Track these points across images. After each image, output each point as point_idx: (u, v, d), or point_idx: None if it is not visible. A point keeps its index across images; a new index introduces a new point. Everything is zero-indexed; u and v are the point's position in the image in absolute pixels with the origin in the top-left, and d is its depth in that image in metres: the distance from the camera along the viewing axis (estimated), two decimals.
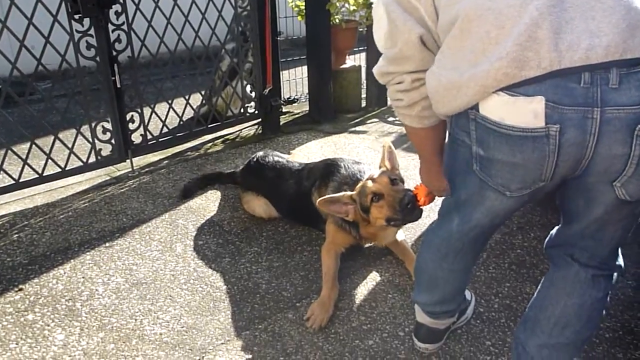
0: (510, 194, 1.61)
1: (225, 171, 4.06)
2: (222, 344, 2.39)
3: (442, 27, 1.58)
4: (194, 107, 4.77)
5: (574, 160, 1.46)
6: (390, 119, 5.68)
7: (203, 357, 2.32)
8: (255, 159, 3.59)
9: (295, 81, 6.33)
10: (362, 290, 2.76)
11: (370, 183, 2.68)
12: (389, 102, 6.16)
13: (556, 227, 1.96)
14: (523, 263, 2.94)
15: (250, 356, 2.32)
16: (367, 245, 3.11)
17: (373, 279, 2.87)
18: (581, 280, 1.84)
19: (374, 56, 5.85)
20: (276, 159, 3.53)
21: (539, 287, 2.00)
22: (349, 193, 2.78)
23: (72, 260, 3.03)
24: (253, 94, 5.21)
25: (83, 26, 3.73)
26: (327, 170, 3.11)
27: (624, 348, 2.32)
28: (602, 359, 2.27)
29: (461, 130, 1.63)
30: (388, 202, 2.60)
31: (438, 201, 2.17)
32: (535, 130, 1.42)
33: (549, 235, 2.00)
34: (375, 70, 1.81)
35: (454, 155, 1.74)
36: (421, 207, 2.51)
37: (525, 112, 1.41)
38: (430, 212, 3.38)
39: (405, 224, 2.78)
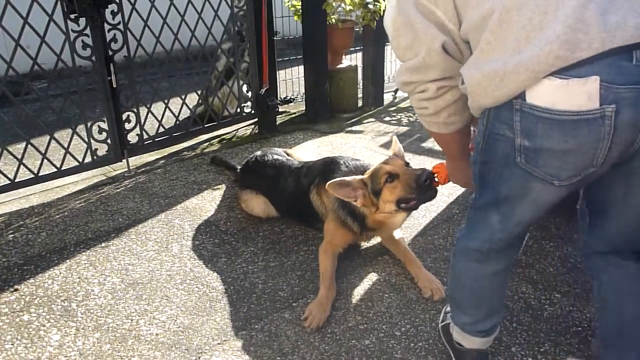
0: (559, 182, 1.56)
1: (232, 163, 4.15)
2: (218, 344, 2.39)
3: (473, 25, 1.57)
4: (190, 106, 4.76)
5: (627, 142, 1.44)
6: (387, 118, 5.69)
7: (199, 357, 2.31)
8: (254, 158, 3.60)
9: (291, 81, 6.32)
10: (358, 290, 2.76)
11: (384, 165, 2.68)
12: (385, 102, 6.17)
13: (585, 236, 1.92)
14: (519, 262, 2.94)
15: (246, 356, 2.32)
16: (366, 244, 3.12)
17: (369, 278, 2.86)
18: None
19: (370, 56, 5.89)
20: (275, 157, 3.52)
21: (598, 303, 1.96)
22: (359, 177, 2.75)
23: (67, 261, 3.02)
24: (249, 94, 5.21)
25: (79, 26, 3.73)
26: (327, 168, 3.10)
27: None
28: (597, 358, 2.27)
29: (502, 123, 1.58)
30: (403, 181, 2.58)
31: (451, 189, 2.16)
32: (589, 112, 1.39)
33: (582, 247, 1.97)
34: (396, 79, 1.81)
35: (491, 151, 1.67)
36: (437, 186, 2.51)
37: (579, 94, 1.39)
38: (427, 212, 3.39)
39: (417, 207, 2.68)
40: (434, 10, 1.62)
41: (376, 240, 3.16)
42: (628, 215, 1.72)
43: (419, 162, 4.20)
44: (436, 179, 2.49)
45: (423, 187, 2.51)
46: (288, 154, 3.66)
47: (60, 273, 2.91)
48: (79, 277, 2.87)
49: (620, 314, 1.88)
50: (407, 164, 2.71)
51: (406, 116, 5.76)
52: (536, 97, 1.45)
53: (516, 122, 1.52)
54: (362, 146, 4.81)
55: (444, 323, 2.34)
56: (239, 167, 3.96)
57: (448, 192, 3.73)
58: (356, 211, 2.84)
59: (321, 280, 2.74)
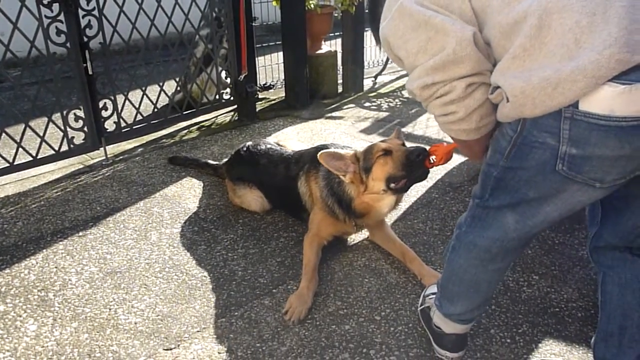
0: (601, 185, 1.50)
1: (210, 161, 3.99)
2: (197, 331, 2.38)
3: (501, 30, 1.48)
4: (169, 94, 4.71)
5: None
6: (367, 104, 5.69)
7: (179, 345, 2.30)
8: (245, 147, 3.49)
9: (271, 67, 6.29)
10: (338, 275, 2.76)
11: (379, 143, 2.64)
12: (365, 88, 6.17)
13: (596, 228, 1.91)
14: None
15: (226, 343, 2.31)
16: (352, 238, 3.07)
17: (349, 263, 2.87)
18: None
19: (349, 41, 5.87)
20: (268, 145, 3.43)
21: (603, 297, 1.96)
22: (352, 152, 2.71)
23: (44, 250, 2.99)
24: (228, 80, 5.17)
25: (52, 11, 3.67)
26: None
27: (596, 326, 2.33)
28: (574, 338, 2.30)
29: (542, 131, 1.48)
30: (395, 157, 2.51)
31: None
32: None
33: (590, 239, 1.96)
34: (412, 86, 1.62)
35: (523, 158, 1.57)
36: (432, 167, 2.44)
37: None
38: (406, 196, 3.39)
39: (407, 188, 2.62)
40: (448, 15, 1.52)
41: (364, 235, 3.12)
42: None
43: None
44: (432, 160, 2.41)
45: (414, 164, 2.44)
46: (280, 145, 3.55)
47: (36, 263, 2.88)
48: (56, 267, 2.84)
49: (624, 311, 1.88)
50: (403, 144, 2.64)
51: (386, 102, 5.76)
52: (592, 104, 1.37)
53: (564, 130, 1.43)
54: (342, 132, 4.80)
55: (423, 306, 2.35)
56: (212, 162, 3.92)
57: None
58: (343, 196, 2.76)
59: (303, 271, 2.69)
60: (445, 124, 1.69)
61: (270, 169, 3.27)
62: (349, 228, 2.94)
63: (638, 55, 1.30)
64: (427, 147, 2.47)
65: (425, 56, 1.54)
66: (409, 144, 2.66)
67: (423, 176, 2.53)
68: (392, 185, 2.57)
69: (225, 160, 3.76)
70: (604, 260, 1.94)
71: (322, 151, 2.62)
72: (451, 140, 1.90)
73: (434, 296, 2.23)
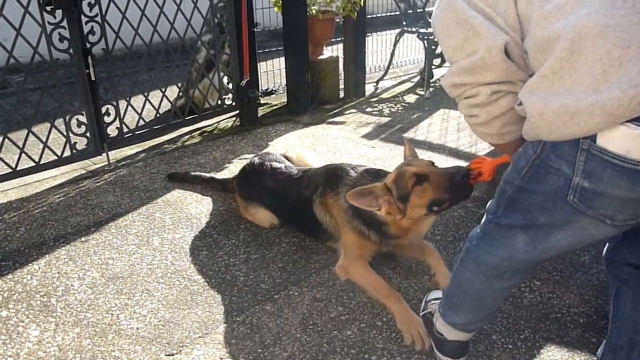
0: (612, 222, 1.47)
1: (216, 176, 3.90)
2: (199, 337, 2.38)
3: (536, 43, 1.46)
4: (171, 99, 4.73)
5: None
6: (369, 109, 5.69)
7: (180, 350, 2.31)
8: (251, 166, 3.39)
9: (272, 72, 6.30)
10: (340, 281, 2.76)
11: (408, 168, 2.45)
12: (367, 93, 6.17)
13: (614, 241, 1.92)
14: None
15: (228, 349, 2.31)
16: (387, 250, 2.88)
17: None
18: None
19: (351, 46, 5.88)
20: (273, 164, 3.28)
21: (615, 310, 1.96)
22: (381, 183, 2.52)
23: (46, 256, 3.00)
24: (230, 86, 5.18)
25: (55, 18, 3.68)
26: (330, 176, 2.92)
27: (598, 332, 2.35)
28: (576, 344, 2.30)
29: (559, 158, 1.46)
30: (435, 182, 2.34)
31: None
32: None
33: (607, 250, 1.96)
34: (444, 82, 1.66)
35: (538, 181, 1.56)
36: (474, 183, 2.31)
37: None
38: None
39: (450, 207, 2.50)
40: (492, 15, 1.52)
41: None
42: None
43: (401, 152, 4.21)
44: (473, 175, 2.27)
45: (459, 186, 2.29)
46: (287, 157, 3.46)
47: (39, 268, 2.88)
48: (58, 272, 2.85)
49: (636, 325, 1.89)
50: (432, 164, 2.51)
51: (388, 107, 5.77)
52: (609, 141, 1.34)
53: (580, 161, 1.42)
54: (344, 137, 4.80)
55: (425, 312, 2.34)
56: (219, 176, 3.85)
57: None
58: (373, 219, 2.62)
59: (381, 296, 2.56)
60: (470, 125, 1.72)
61: (279, 192, 3.18)
62: (383, 246, 2.79)
63: None
64: (467, 164, 2.37)
65: (461, 54, 1.57)
66: (434, 158, 2.57)
67: (468, 195, 2.37)
68: (435, 208, 2.43)
69: (235, 175, 3.64)
70: (620, 273, 1.93)
71: (348, 193, 2.47)
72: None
73: (436, 302, 2.23)
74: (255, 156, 3.50)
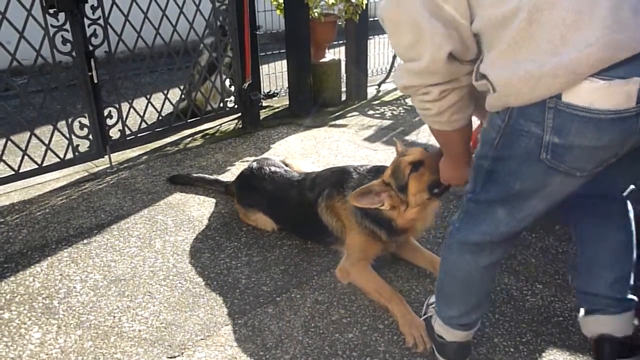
0: (581, 174, 1.60)
1: (220, 178, 3.89)
2: (201, 339, 2.38)
3: (491, 23, 1.55)
4: (173, 102, 4.73)
5: None
6: (370, 112, 5.70)
7: (182, 353, 2.31)
8: (249, 171, 3.38)
9: (275, 75, 6.30)
10: (341, 284, 2.76)
11: (403, 158, 2.54)
12: (369, 96, 6.18)
13: None
14: None
15: (230, 351, 2.32)
16: (393, 250, 2.92)
17: None
18: (621, 212, 2.06)
19: (353, 49, 5.88)
20: (272, 169, 3.27)
21: (580, 237, 2.17)
22: (378, 180, 2.60)
23: (49, 258, 3.00)
24: (232, 89, 5.19)
25: (58, 21, 3.68)
26: (337, 178, 2.91)
27: None
28: (577, 348, 2.29)
29: (528, 120, 1.56)
30: (430, 165, 2.41)
31: None
32: (626, 110, 1.43)
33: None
34: (396, 82, 1.79)
35: (510, 147, 1.64)
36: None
37: (619, 94, 1.42)
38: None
39: (449, 188, 2.48)
40: (441, 5, 1.59)
41: None
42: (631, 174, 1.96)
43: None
44: None
45: None
46: (287, 164, 3.45)
47: (41, 270, 2.89)
48: (60, 274, 2.85)
49: (598, 244, 2.08)
50: (425, 150, 2.60)
51: (390, 109, 5.77)
52: (574, 96, 1.46)
53: (548, 119, 1.52)
54: (346, 140, 4.81)
55: (426, 316, 2.35)
56: (222, 179, 3.83)
57: None
58: (381, 216, 2.65)
59: (383, 298, 2.56)
60: (423, 116, 1.87)
61: (279, 197, 3.17)
62: (391, 246, 2.84)
63: (618, 53, 1.39)
64: None
65: (411, 53, 1.67)
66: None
67: None
68: (436, 190, 2.48)
69: (233, 181, 3.64)
70: (577, 204, 2.09)
71: (351, 195, 2.54)
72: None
73: None
74: (254, 161, 3.48)
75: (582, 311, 2.15)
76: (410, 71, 1.70)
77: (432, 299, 2.37)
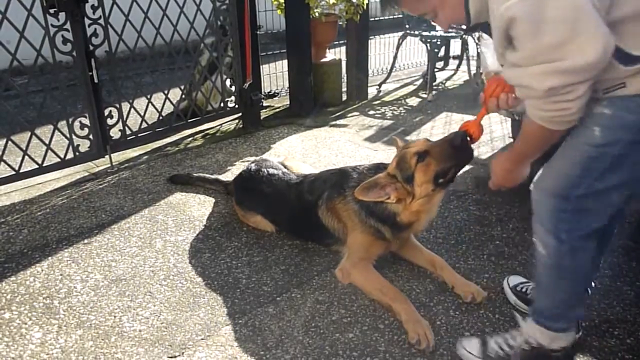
0: None
1: (220, 178, 3.88)
2: (202, 339, 2.38)
3: (636, 12, 1.52)
4: (174, 101, 4.74)
5: None
6: (371, 112, 5.70)
7: (183, 352, 2.31)
8: (248, 173, 3.36)
9: (275, 75, 6.31)
10: (342, 284, 2.76)
11: (408, 150, 2.56)
12: (369, 96, 6.18)
13: None
14: (502, 254, 2.96)
15: (230, 351, 2.31)
16: (395, 249, 2.91)
17: None
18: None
19: (353, 49, 5.89)
20: (271, 170, 3.25)
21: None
22: (383, 173, 2.62)
23: (49, 258, 3.00)
24: (233, 88, 5.19)
25: (59, 20, 3.69)
26: (337, 179, 2.91)
27: (599, 336, 2.34)
28: (577, 347, 2.29)
29: None
30: (436, 154, 2.45)
31: None
32: None
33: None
34: (542, 86, 1.56)
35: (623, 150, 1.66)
36: (473, 144, 2.40)
37: None
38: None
39: (454, 177, 2.53)
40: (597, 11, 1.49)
41: None
42: None
43: None
44: (469, 137, 2.37)
45: (460, 148, 2.38)
46: (285, 165, 3.43)
47: (42, 270, 2.89)
48: (61, 274, 2.85)
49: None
50: (428, 140, 2.61)
51: (390, 110, 5.77)
52: None
53: None
54: (346, 140, 4.81)
55: (526, 348, 2.14)
56: (221, 177, 3.84)
57: None
58: (386, 212, 2.66)
59: (386, 297, 2.55)
60: (551, 118, 1.66)
61: (278, 201, 3.16)
62: (394, 244, 2.83)
63: None
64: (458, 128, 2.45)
65: (558, 53, 1.51)
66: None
67: (470, 157, 2.48)
68: (441, 180, 2.50)
69: (232, 180, 3.66)
70: None
71: (356, 190, 2.56)
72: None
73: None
74: (252, 162, 3.48)
75: None
76: (562, 71, 1.52)
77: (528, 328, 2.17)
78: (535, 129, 1.75)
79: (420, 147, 2.53)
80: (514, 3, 1.51)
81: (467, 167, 3.97)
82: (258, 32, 5.17)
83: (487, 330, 2.40)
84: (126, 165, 4.30)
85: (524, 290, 2.52)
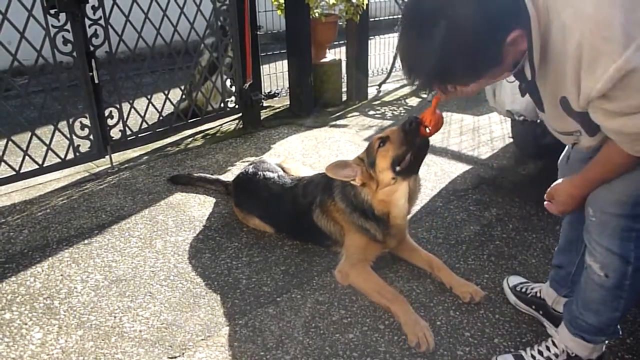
0: None
1: (221, 178, 3.88)
2: (202, 340, 2.39)
3: None
4: (174, 102, 4.74)
5: None
6: (371, 112, 5.70)
7: (183, 353, 2.31)
8: (245, 175, 3.38)
9: (275, 75, 6.31)
10: (342, 284, 2.76)
11: (376, 135, 2.68)
12: (369, 96, 6.19)
13: None
14: (502, 254, 2.97)
15: (230, 352, 2.32)
16: (390, 248, 2.91)
17: None
18: None
19: (353, 49, 5.89)
20: (267, 174, 3.27)
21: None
22: (356, 156, 2.78)
23: (50, 258, 3.00)
24: (233, 89, 5.19)
25: (59, 21, 3.69)
26: (325, 182, 2.95)
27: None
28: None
29: None
30: (392, 139, 2.57)
31: None
32: None
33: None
34: None
35: None
36: (428, 136, 2.49)
37: None
38: None
39: (413, 166, 2.58)
40: None
41: None
42: None
43: None
44: (427, 130, 2.46)
45: (410, 133, 2.48)
46: (283, 168, 3.44)
47: (42, 271, 2.89)
48: (61, 275, 2.85)
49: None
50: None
51: (390, 110, 5.78)
52: None
53: None
54: (346, 140, 4.81)
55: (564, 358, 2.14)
56: (222, 177, 3.85)
57: (432, 186, 3.76)
58: (364, 204, 2.72)
59: (385, 299, 2.55)
60: None
61: (274, 205, 3.18)
62: (388, 244, 2.84)
63: None
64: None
65: None
66: None
67: (424, 146, 2.54)
68: (398, 168, 2.57)
69: (231, 180, 3.66)
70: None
71: (327, 167, 2.65)
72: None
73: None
74: (250, 164, 3.48)
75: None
76: None
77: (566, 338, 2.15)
78: (623, 157, 1.67)
79: (384, 134, 2.65)
80: (633, 54, 1.43)
81: (467, 167, 4.03)
82: (258, 33, 5.18)
83: (488, 331, 2.40)
84: (126, 165, 4.31)
85: (523, 290, 2.53)
